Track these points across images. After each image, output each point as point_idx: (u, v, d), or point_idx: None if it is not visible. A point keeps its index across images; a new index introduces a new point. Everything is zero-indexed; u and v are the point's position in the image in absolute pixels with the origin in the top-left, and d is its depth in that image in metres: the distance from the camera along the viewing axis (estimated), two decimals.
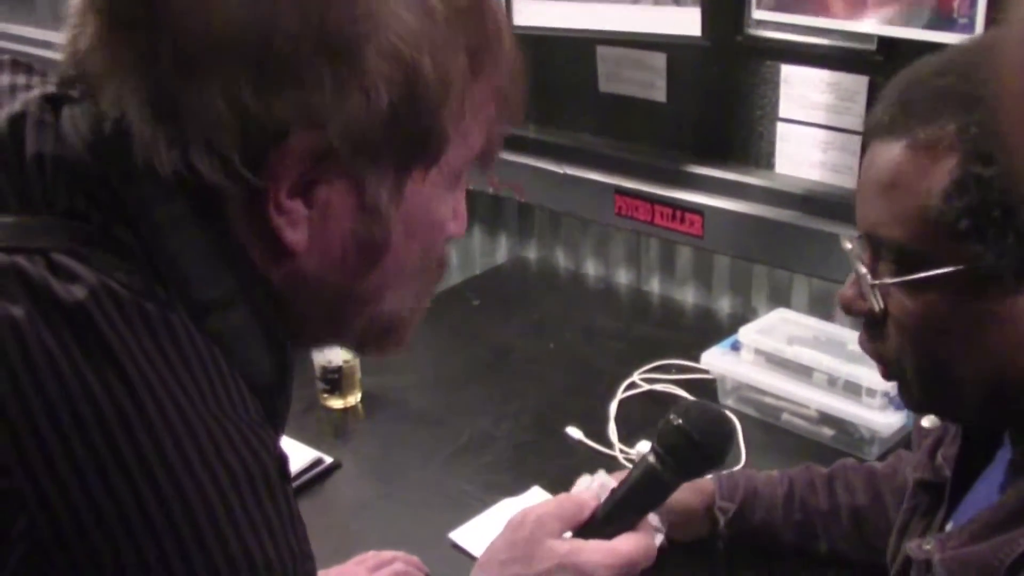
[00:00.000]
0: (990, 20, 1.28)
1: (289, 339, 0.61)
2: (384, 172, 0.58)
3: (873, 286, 0.77)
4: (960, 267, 0.72)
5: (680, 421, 0.86)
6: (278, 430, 0.60)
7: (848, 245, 0.81)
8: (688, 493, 1.12)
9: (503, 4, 1.81)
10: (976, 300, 0.73)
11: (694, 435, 0.85)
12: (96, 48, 0.55)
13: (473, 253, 2.34)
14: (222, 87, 0.53)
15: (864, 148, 0.80)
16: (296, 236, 0.58)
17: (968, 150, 0.70)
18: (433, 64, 0.56)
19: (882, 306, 0.78)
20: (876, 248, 0.78)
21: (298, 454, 1.47)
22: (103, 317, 0.50)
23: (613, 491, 0.89)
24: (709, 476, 1.16)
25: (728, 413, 0.96)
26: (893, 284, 0.76)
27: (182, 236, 0.55)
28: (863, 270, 0.78)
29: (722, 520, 1.15)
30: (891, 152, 0.74)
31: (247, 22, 0.52)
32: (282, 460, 0.57)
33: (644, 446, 1.43)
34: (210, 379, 0.53)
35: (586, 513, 0.90)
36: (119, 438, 0.49)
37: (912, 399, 0.83)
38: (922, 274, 0.74)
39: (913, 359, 0.78)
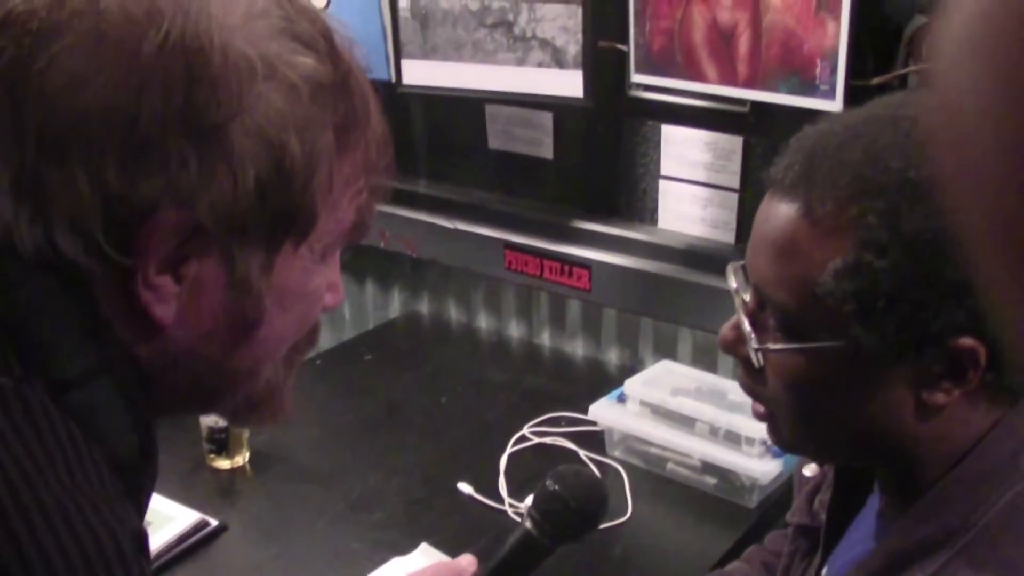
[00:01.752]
0: (848, 87, 1.36)
1: (158, 414, 0.61)
2: (254, 248, 0.59)
3: (756, 349, 0.78)
4: (839, 343, 0.73)
5: (556, 487, 0.88)
6: (141, 505, 0.60)
7: (733, 283, 0.82)
8: None
9: (392, 65, 1.84)
10: (852, 372, 0.74)
11: (570, 501, 0.88)
12: None
13: (366, 308, 2.34)
14: (86, 167, 0.53)
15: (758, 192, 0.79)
16: (165, 311, 0.57)
17: (864, 237, 0.70)
18: (299, 142, 0.57)
19: (760, 364, 0.79)
20: (761, 301, 0.78)
21: (182, 517, 1.44)
22: None
23: (491, 556, 0.90)
24: None
25: (600, 475, 0.98)
26: (775, 350, 0.77)
27: (42, 313, 0.55)
28: (748, 327, 0.79)
29: None
30: (787, 215, 0.74)
31: (111, 104, 0.52)
32: (139, 535, 0.56)
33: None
34: (64, 454, 0.53)
35: None
36: None
37: (781, 440, 0.85)
38: (803, 344, 0.75)
39: (786, 409, 0.80)
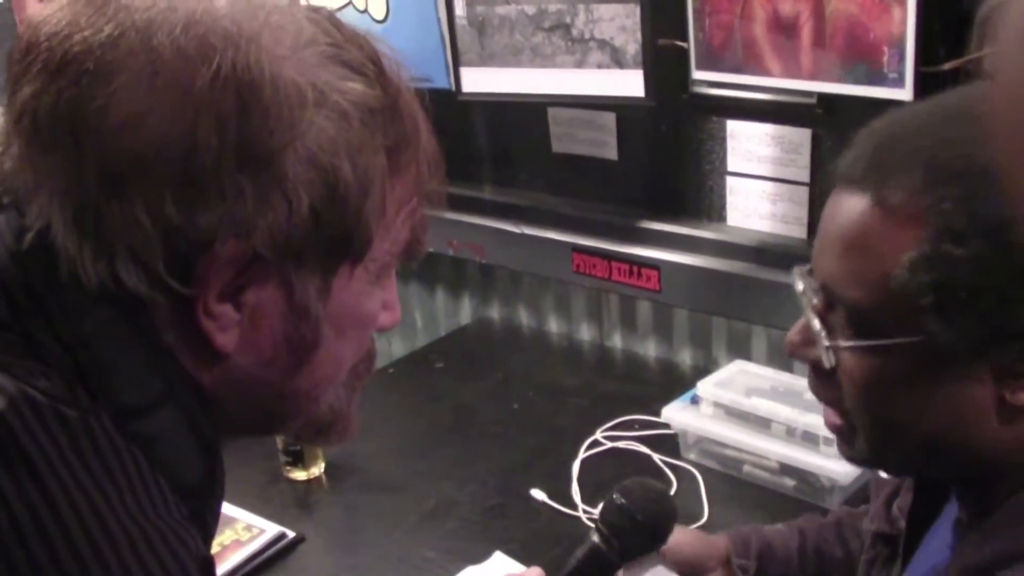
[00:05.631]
0: (918, 75, 1.32)
1: (223, 438, 0.62)
2: (311, 272, 0.59)
3: (828, 347, 0.75)
4: (916, 339, 0.70)
5: (623, 501, 0.88)
6: (208, 530, 0.61)
7: (800, 285, 0.79)
8: (700, 548, 1.09)
9: (452, 73, 1.84)
10: (929, 370, 0.71)
11: (637, 515, 0.87)
12: (21, 169, 0.56)
13: (437, 315, 2.35)
14: (145, 202, 0.54)
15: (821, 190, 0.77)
16: (226, 339, 0.59)
17: (940, 225, 0.67)
18: (352, 167, 0.58)
19: (833, 364, 0.76)
20: (830, 300, 0.75)
21: (261, 529, 1.46)
22: (21, 425, 0.51)
23: (560, 569, 0.90)
24: (719, 533, 1.13)
25: (675, 478, 0.97)
26: (847, 348, 0.74)
27: (107, 343, 0.56)
28: (818, 326, 0.76)
29: None
30: (857, 207, 0.71)
31: (168, 140, 0.54)
32: (206, 561, 0.57)
33: None
34: (130, 482, 0.54)
35: None
36: (34, 545, 0.50)
37: (854, 453, 0.81)
38: (877, 341, 0.72)
39: (861, 414, 0.77)
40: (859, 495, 1.44)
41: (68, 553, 0.50)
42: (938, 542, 0.84)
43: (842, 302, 0.74)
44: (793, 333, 0.80)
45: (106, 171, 0.54)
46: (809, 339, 0.78)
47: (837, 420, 0.81)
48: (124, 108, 0.54)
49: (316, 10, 0.62)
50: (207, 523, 0.61)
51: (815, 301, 0.77)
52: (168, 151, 0.54)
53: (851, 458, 0.83)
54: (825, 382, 0.78)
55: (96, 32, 0.55)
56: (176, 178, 0.54)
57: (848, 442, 0.81)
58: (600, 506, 0.92)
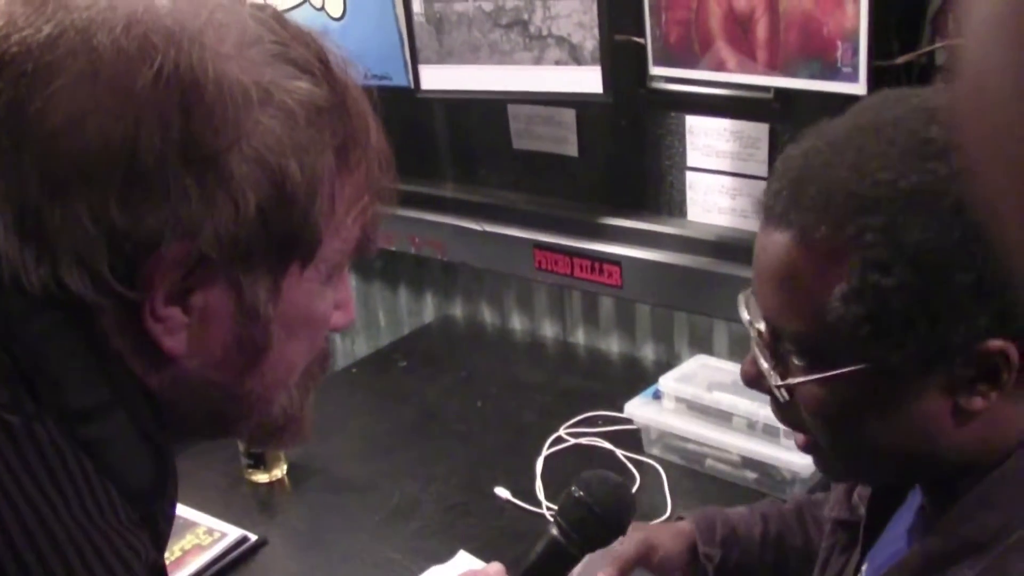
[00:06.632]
0: (871, 69, 1.33)
1: (175, 441, 0.61)
2: (260, 274, 0.59)
3: (779, 386, 0.76)
4: (862, 366, 0.71)
5: (581, 494, 0.88)
6: (160, 535, 0.60)
7: (745, 314, 0.79)
8: (667, 537, 1.10)
9: (410, 71, 1.84)
10: (882, 391, 0.72)
11: (595, 507, 0.87)
12: None
13: (400, 313, 2.34)
14: (88, 205, 0.53)
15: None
16: (174, 343, 0.58)
17: (864, 257, 0.68)
18: (299, 166, 0.57)
19: (787, 398, 0.77)
20: (775, 332, 0.76)
21: (222, 533, 1.45)
22: None
23: (520, 564, 0.90)
24: (684, 518, 1.14)
25: (638, 473, 0.97)
26: (797, 383, 0.75)
27: (52, 349, 0.55)
28: (765, 365, 0.76)
29: (710, 568, 1.10)
30: (782, 244, 0.72)
31: (109, 141, 0.53)
32: (156, 566, 0.56)
33: None
34: (77, 488, 0.53)
35: None
36: None
37: (827, 468, 0.84)
38: (825, 373, 0.73)
39: (826, 437, 0.78)
40: (819, 487, 1.45)
41: (12, 562, 0.50)
42: (901, 530, 0.85)
43: (786, 334, 0.75)
44: (747, 364, 0.80)
45: (47, 174, 0.53)
46: (763, 371, 0.78)
47: (803, 441, 0.81)
48: (64, 110, 0.53)
49: (261, 8, 0.61)
50: (159, 528, 0.60)
51: (761, 330, 0.77)
52: (110, 153, 0.53)
53: (825, 472, 0.85)
54: (785, 409, 0.79)
55: (35, 32, 0.54)
56: (119, 180, 0.53)
57: (821, 459, 0.82)
58: (559, 499, 0.92)
